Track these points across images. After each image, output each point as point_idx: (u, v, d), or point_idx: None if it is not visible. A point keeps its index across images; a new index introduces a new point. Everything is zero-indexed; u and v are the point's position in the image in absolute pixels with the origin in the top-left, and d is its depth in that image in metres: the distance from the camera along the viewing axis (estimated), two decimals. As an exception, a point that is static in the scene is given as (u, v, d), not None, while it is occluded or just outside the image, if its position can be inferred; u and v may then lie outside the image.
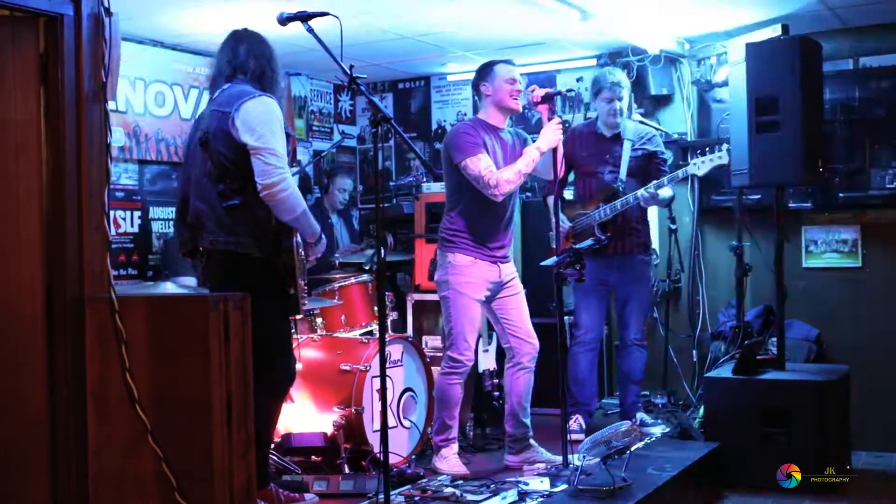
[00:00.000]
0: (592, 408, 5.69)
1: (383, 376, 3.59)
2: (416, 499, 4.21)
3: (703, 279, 6.55)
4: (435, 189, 6.24)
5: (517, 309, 4.80)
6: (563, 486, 4.22)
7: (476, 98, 4.90)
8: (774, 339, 5.35)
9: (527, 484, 4.27)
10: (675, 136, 6.51)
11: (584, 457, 4.16)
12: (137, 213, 6.05)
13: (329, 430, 4.70)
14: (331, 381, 4.80)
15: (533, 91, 4.73)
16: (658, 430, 5.40)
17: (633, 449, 4.29)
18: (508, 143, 4.78)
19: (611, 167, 5.48)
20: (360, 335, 5.35)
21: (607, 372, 6.50)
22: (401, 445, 4.90)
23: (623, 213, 5.37)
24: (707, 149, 5.31)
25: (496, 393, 5.51)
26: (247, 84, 3.80)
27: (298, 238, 3.88)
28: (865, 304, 6.05)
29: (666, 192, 5.39)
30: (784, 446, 4.77)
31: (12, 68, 3.42)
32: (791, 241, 5.84)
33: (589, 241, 4.60)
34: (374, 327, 5.39)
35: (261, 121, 3.66)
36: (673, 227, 6.15)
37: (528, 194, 6.67)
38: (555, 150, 4.64)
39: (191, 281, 5.07)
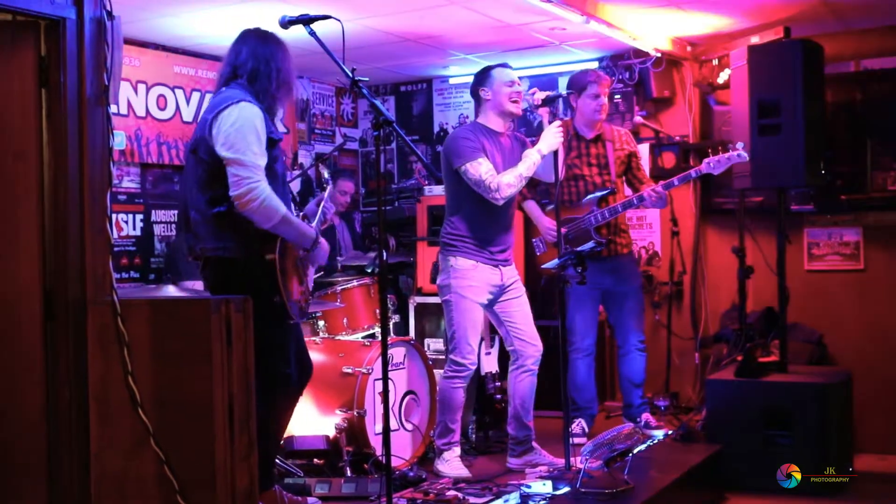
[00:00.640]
0: (594, 411, 5.68)
1: (385, 379, 3.59)
2: (419, 502, 4.20)
3: (706, 281, 6.55)
4: (437, 192, 6.24)
5: (521, 312, 4.80)
6: (566, 489, 4.22)
7: (475, 104, 4.88)
8: (777, 341, 5.35)
9: (529, 487, 4.27)
10: (677, 138, 6.51)
11: (586, 459, 4.16)
12: (140, 216, 6.06)
13: (331, 432, 4.70)
14: (333, 383, 4.79)
15: (534, 94, 4.73)
16: (660, 433, 5.40)
17: (635, 451, 4.29)
18: (508, 147, 4.78)
19: (597, 169, 5.43)
20: (363, 338, 5.35)
21: (609, 375, 6.49)
22: (403, 448, 4.89)
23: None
24: (719, 147, 5.20)
25: (498, 396, 5.50)
26: (240, 88, 3.78)
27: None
28: (867, 306, 6.05)
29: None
30: (786, 448, 4.77)
31: (12, 71, 3.43)
32: (793, 242, 5.84)
33: (591, 244, 4.59)
34: (377, 330, 5.39)
35: (233, 130, 3.62)
36: (675, 229, 6.15)
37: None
38: (555, 153, 4.64)
39: (197, 284, 5.07)
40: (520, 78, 4.84)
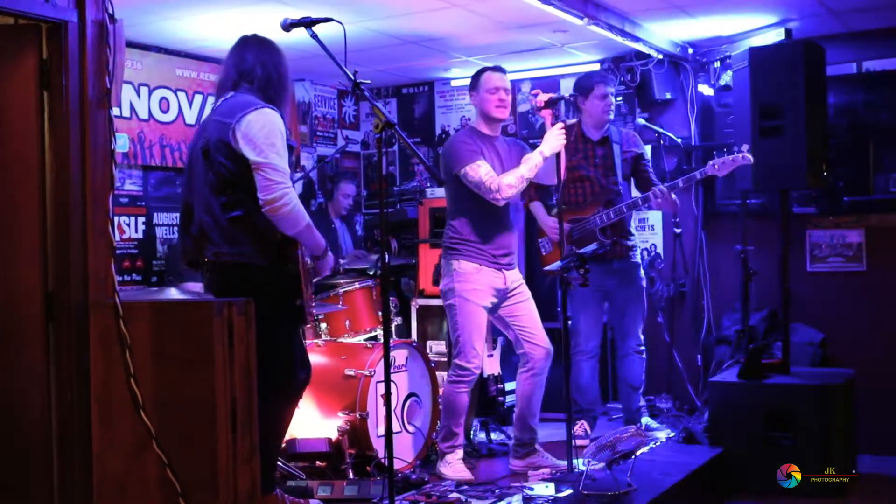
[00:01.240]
0: (596, 413, 5.68)
1: (388, 381, 3.59)
2: (421, 504, 4.21)
3: (708, 284, 6.55)
4: (439, 194, 6.24)
5: (528, 315, 4.79)
6: (569, 491, 4.21)
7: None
8: (779, 343, 5.34)
9: (532, 489, 4.27)
10: (679, 140, 6.51)
11: (588, 461, 4.16)
12: (142, 219, 6.06)
13: (333, 435, 4.70)
14: (335, 386, 4.79)
15: (537, 96, 4.73)
16: (663, 435, 5.39)
17: (637, 454, 4.28)
18: (504, 151, 4.79)
19: (603, 171, 5.44)
20: (365, 340, 5.35)
21: (611, 377, 6.49)
22: (405, 450, 4.89)
23: (620, 218, 5.36)
24: (725, 150, 5.20)
25: (501, 398, 5.50)
26: (251, 93, 3.77)
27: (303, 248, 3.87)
28: (870, 307, 6.04)
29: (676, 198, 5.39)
30: (789, 450, 4.76)
31: (14, 74, 3.43)
32: (795, 244, 5.84)
33: (593, 246, 4.58)
34: (379, 332, 5.38)
35: (262, 134, 3.61)
36: (677, 231, 6.15)
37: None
38: (558, 156, 4.64)
39: (197, 286, 5.07)
40: (521, 80, 4.84)
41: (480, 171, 4.55)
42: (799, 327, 5.96)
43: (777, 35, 5.43)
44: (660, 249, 6.67)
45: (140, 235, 6.04)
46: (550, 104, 4.70)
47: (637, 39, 6.02)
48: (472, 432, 5.37)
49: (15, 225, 3.45)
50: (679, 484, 4.30)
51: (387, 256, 3.67)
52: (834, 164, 5.80)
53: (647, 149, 5.88)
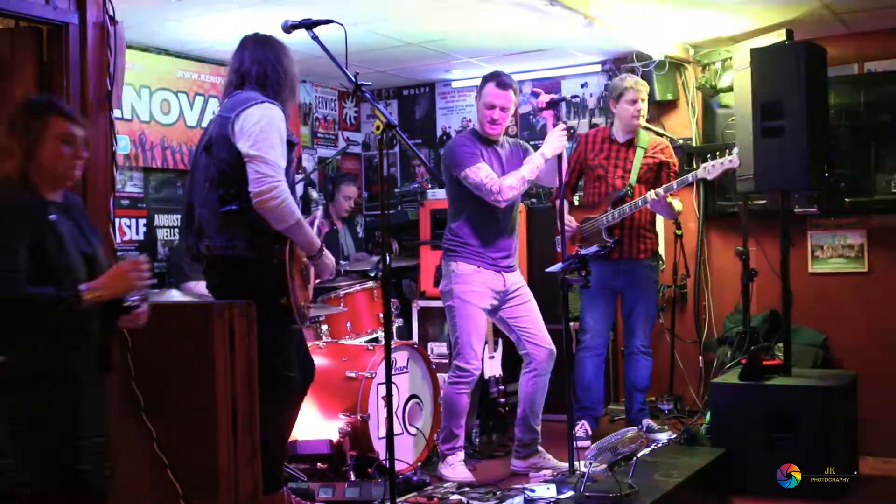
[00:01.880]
0: (598, 413, 5.68)
1: (389, 383, 3.59)
2: (422, 506, 4.21)
3: (709, 285, 6.54)
4: (440, 195, 6.24)
5: (529, 316, 4.79)
6: (570, 493, 4.20)
7: None
8: (781, 344, 5.34)
9: (533, 490, 4.26)
10: (680, 141, 6.51)
11: (590, 463, 4.15)
12: (143, 221, 6.06)
13: (335, 437, 4.70)
14: (336, 388, 4.79)
15: (538, 97, 4.73)
16: (664, 437, 5.39)
17: (639, 455, 4.27)
18: (505, 153, 4.79)
19: (621, 171, 5.48)
20: (366, 342, 5.35)
21: (614, 378, 6.49)
22: (406, 452, 4.89)
23: (632, 217, 5.37)
24: (717, 153, 5.28)
25: (502, 399, 5.50)
26: (254, 90, 3.78)
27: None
28: (872, 308, 6.04)
29: (677, 205, 5.39)
30: (791, 452, 4.75)
31: (13, 76, 3.43)
32: (797, 245, 5.83)
33: (594, 248, 4.58)
34: (380, 334, 5.38)
35: (258, 128, 3.62)
36: (679, 232, 6.14)
37: (533, 200, 6.67)
38: (559, 157, 4.64)
39: (200, 286, 5.07)
40: (523, 81, 4.84)
41: (480, 173, 4.56)
42: (800, 328, 5.95)
43: (778, 36, 5.42)
44: (661, 250, 6.67)
45: (141, 237, 6.04)
46: (552, 105, 4.70)
47: (638, 40, 6.02)
48: (472, 434, 5.37)
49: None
50: (680, 485, 4.29)
51: (388, 258, 3.67)
52: (835, 165, 5.80)
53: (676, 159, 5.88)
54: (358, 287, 5.46)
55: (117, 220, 5.17)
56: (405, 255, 6.71)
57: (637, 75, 6.51)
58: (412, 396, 5.03)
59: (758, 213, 6.13)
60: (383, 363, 3.74)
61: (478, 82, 4.86)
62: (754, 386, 4.95)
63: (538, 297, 4.94)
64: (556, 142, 4.61)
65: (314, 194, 4.94)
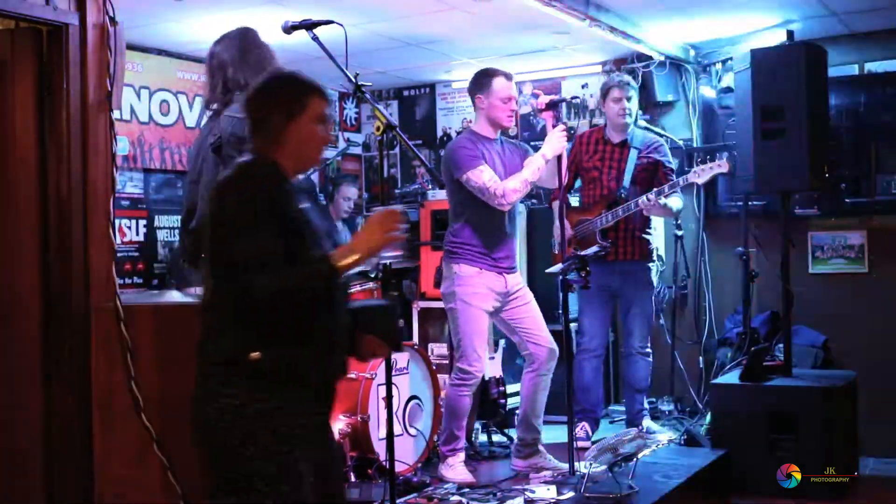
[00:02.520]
0: (598, 415, 5.68)
1: (389, 384, 3.59)
2: (422, 507, 4.20)
3: (710, 285, 6.54)
4: (440, 196, 6.23)
5: (530, 317, 4.79)
6: (570, 494, 4.21)
7: (473, 107, 4.89)
8: (781, 345, 5.33)
9: (533, 492, 4.26)
10: (681, 142, 6.51)
11: (590, 464, 4.14)
12: (143, 222, 6.06)
13: (335, 437, 4.69)
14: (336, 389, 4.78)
15: (538, 98, 4.73)
16: (665, 437, 5.39)
17: (639, 456, 4.27)
18: (505, 153, 4.79)
19: (616, 173, 5.48)
20: (366, 343, 5.33)
21: (613, 379, 6.48)
22: (407, 453, 4.89)
23: (626, 219, 5.37)
24: (708, 156, 5.32)
25: (502, 400, 5.50)
26: None
27: None
28: (872, 309, 6.03)
29: (675, 203, 5.38)
30: (791, 452, 4.74)
31: (15, 77, 3.43)
32: (797, 246, 5.83)
33: (594, 248, 4.58)
34: (380, 335, 5.37)
35: None
36: (679, 233, 6.14)
37: (534, 201, 6.66)
38: (559, 158, 4.63)
39: (199, 290, 5.07)
40: (523, 82, 4.84)
41: (483, 176, 4.55)
42: (801, 329, 5.95)
43: (779, 37, 5.42)
44: (661, 251, 6.66)
45: (141, 238, 6.04)
46: (552, 106, 4.70)
47: (638, 41, 6.02)
48: (473, 435, 5.37)
49: (16, 228, 3.44)
50: (681, 486, 4.28)
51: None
52: (836, 165, 5.79)
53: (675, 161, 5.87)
54: (358, 288, 5.45)
55: (117, 221, 5.15)
56: (405, 256, 6.71)
57: (638, 76, 6.52)
58: (412, 397, 5.03)
59: (758, 214, 6.13)
60: (383, 364, 3.74)
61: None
62: (755, 387, 4.94)
63: (538, 297, 4.94)
64: (555, 143, 4.61)
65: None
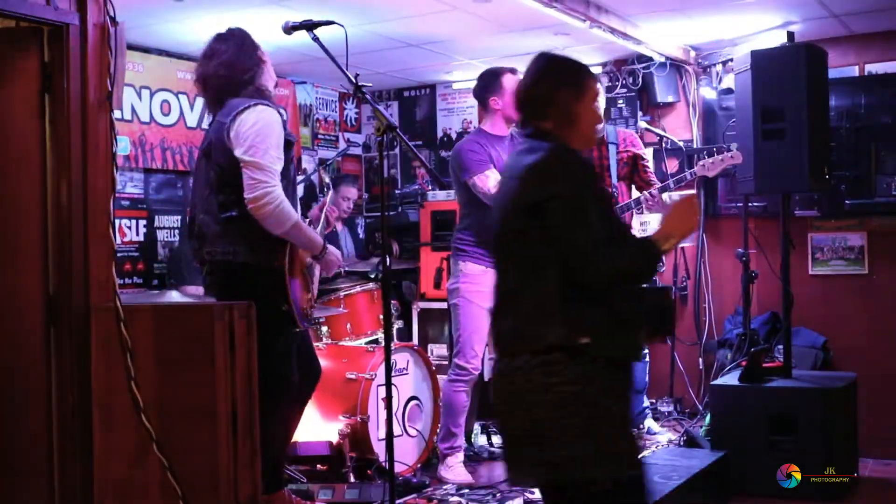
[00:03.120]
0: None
1: (389, 385, 3.58)
2: (422, 507, 4.20)
3: (709, 286, 6.53)
4: (440, 197, 6.24)
5: None
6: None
7: (480, 107, 4.90)
8: (781, 346, 5.33)
9: (533, 492, 4.26)
10: (681, 143, 6.51)
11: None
12: (143, 222, 6.05)
13: (334, 438, 4.69)
14: (336, 389, 4.79)
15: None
16: (665, 438, 5.39)
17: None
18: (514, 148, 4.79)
19: (600, 171, 5.44)
20: (366, 343, 5.35)
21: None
22: (406, 454, 4.89)
23: None
24: (715, 148, 5.28)
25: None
26: (246, 95, 3.79)
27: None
28: (872, 310, 6.03)
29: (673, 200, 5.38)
30: (791, 454, 4.75)
31: (15, 77, 3.43)
32: (797, 247, 5.83)
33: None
34: (380, 336, 5.38)
35: (252, 132, 3.63)
36: (679, 234, 6.13)
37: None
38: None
39: (198, 290, 5.07)
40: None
41: (489, 182, 4.57)
42: (801, 330, 5.95)
43: (779, 38, 5.42)
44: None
45: (141, 238, 6.03)
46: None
47: (638, 42, 6.02)
48: (472, 436, 5.37)
49: (16, 228, 3.44)
50: (680, 487, 4.29)
51: (388, 259, 3.67)
52: (836, 166, 5.79)
53: (649, 152, 5.87)
54: (358, 288, 5.46)
55: (117, 221, 5.16)
56: (405, 257, 6.71)
57: (638, 77, 6.53)
58: (412, 398, 5.03)
59: (758, 215, 6.13)
60: (383, 365, 3.74)
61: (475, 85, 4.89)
62: (754, 388, 4.94)
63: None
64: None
65: (326, 178, 4.97)
